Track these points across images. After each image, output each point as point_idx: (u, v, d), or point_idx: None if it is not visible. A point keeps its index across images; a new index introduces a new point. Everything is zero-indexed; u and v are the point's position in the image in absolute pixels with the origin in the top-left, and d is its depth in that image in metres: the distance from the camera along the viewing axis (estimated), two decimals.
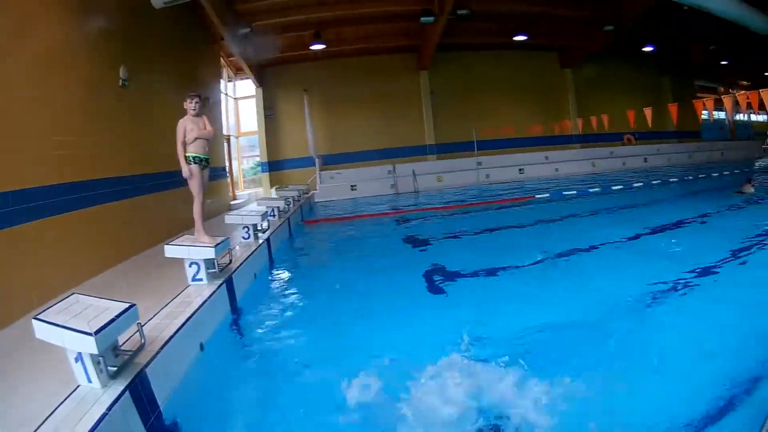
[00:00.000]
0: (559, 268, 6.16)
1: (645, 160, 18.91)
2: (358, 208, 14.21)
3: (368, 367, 3.44)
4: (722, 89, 25.68)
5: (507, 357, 3.51)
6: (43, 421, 2.52)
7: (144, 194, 8.12)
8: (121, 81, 7.50)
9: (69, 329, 2.69)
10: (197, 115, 5.45)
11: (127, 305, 3.04)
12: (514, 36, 17.15)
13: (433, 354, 3.54)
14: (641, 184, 12.97)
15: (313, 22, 15.21)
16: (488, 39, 17.78)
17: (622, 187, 12.49)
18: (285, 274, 7.09)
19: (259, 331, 4.72)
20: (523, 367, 3.33)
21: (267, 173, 18.57)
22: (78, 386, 2.83)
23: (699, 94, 22.07)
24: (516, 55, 19.06)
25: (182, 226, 8.97)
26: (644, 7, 15.72)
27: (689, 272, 5.35)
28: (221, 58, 15.70)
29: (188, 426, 3.05)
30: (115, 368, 2.89)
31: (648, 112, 13.51)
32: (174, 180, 9.04)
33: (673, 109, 13.21)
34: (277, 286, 6.49)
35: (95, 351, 2.66)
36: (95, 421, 2.49)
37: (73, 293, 3.22)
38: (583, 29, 17.61)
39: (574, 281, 5.49)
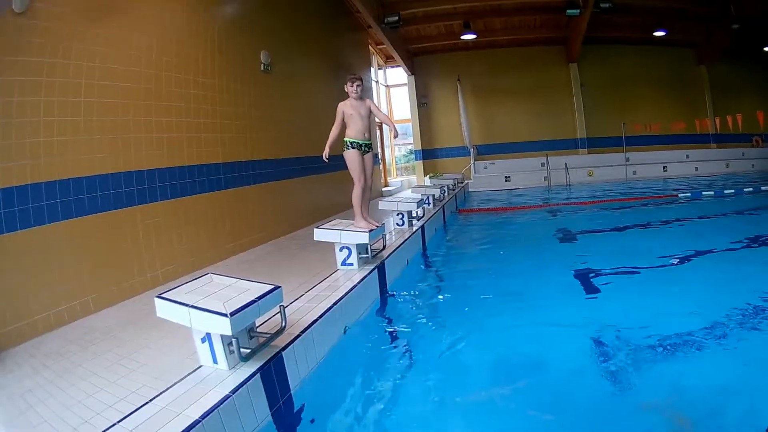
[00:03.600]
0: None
1: None
2: (512, 198, 13.99)
3: (509, 362, 3.46)
4: None
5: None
6: (154, 397, 2.43)
7: (288, 178, 8.32)
8: (263, 66, 7.67)
9: (199, 309, 2.56)
10: (359, 98, 5.22)
11: (271, 287, 2.90)
12: (654, 31, 16.77)
13: (574, 351, 3.52)
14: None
15: (461, 12, 15.24)
16: (630, 33, 17.50)
17: (751, 189, 11.80)
18: (437, 263, 6.74)
19: (406, 318, 4.44)
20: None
21: (420, 161, 18.79)
22: (200, 366, 2.71)
23: None
24: (656, 50, 18.37)
25: (329, 212, 9.21)
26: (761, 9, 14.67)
27: None
28: (370, 46, 16.02)
29: (316, 412, 2.83)
30: (248, 350, 2.73)
31: None
32: (320, 165, 9.32)
33: None
34: (428, 274, 6.18)
35: (228, 332, 2.50)
36: (215, 402, 2.32)
37: (208, 273, 3.15)
38: (714, 26, 16.93)
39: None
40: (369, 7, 12.22)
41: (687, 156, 17.47)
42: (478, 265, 6.52)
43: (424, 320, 4.34)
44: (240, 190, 6.82)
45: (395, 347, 3.81)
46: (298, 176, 8.61)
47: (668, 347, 3.39)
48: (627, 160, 16.93)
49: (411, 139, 19.37)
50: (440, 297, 5.05)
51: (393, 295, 5.05)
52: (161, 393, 2.46)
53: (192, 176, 5.82)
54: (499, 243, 8.06)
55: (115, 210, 4.68)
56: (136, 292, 4.75)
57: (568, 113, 18.48)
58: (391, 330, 4.20)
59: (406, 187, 16.51)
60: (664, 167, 16.98)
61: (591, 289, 5.12)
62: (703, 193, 11.47)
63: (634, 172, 16.75)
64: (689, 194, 11.50)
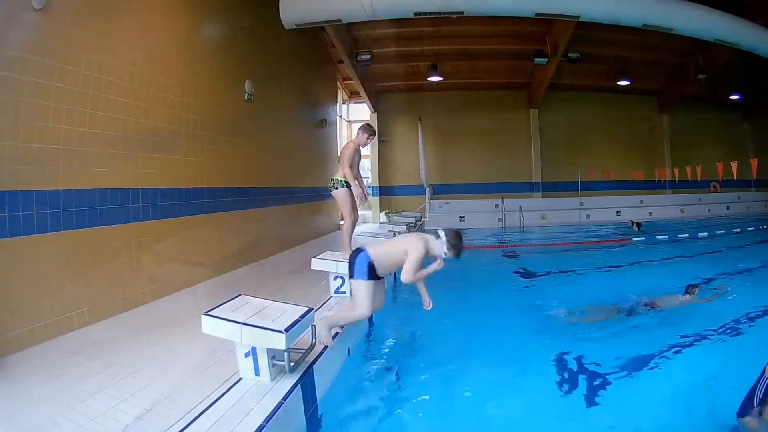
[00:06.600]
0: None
1: (727, 207, 19.07)
2: (466, 239, 13.88)
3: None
4: None
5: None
6: (205, 410, 2.64)
7: (263, 207, 8.38)
8: (246, 95, 7.76)
9: (252, 326, 2.84)
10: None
11: (306, 308, 3.23)
12: (618, 81, 17.28)
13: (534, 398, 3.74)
14: (723, 231, 13.30)
15: (429, 53, 15.64)
16: (593, 82, 17.93)
17: (707, 234, 12.76)
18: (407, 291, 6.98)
19: (392, 338, 4.98)
20: None
21: (377, 197, 18.73)
22: (240, 379, 2.99)
23: None
24: (618, 98, 19.15)
25: (291, 242, 9.48)
26: (725, 58, 15.76)
27: None
28: (337, 81, 16.14)
29: (334, 420, 3.20)
30: (292, 363, 3.04)
31: (734, 165, 13.67)
32: (291, 196, 9.63)
33: (754, 163, 13.27)
34: (404, 297, 6.42)
35: (283, 346, 2.81)
36: (270, 410, 2.61)
37: (240, 294, 3.43)
38: (679, 75, 17.97)
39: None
40: (343, 43, 12.56)
41: (641, 201, 18.19)
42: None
43: (404, 339, 4.94)
44: (227, 214, 6.93)
45: (386, 363, 4.29)
46: (269, 206, 8.69)
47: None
48: (581, 204, 17.47)
49: (368, 174, 19.53)
50: (415, 316, 5.29)
51: (380, 318, 5.22)
52: (214, 403, 2.70)
53: (182, 198, 5.91)
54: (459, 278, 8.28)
55: (113, 225, 4.75)
56: (129, 306, 4.82)
57: (525, 157, 18.83)
58: (381, 349, 4.68)
59: (360, 222, 16.56)
60: (617, 212, 17.54)
61: (544, 330, 5.30)
62: (657, 237, 12.08)
63: (588, 216, 17.24)
64: (643, 238, 12.06)
